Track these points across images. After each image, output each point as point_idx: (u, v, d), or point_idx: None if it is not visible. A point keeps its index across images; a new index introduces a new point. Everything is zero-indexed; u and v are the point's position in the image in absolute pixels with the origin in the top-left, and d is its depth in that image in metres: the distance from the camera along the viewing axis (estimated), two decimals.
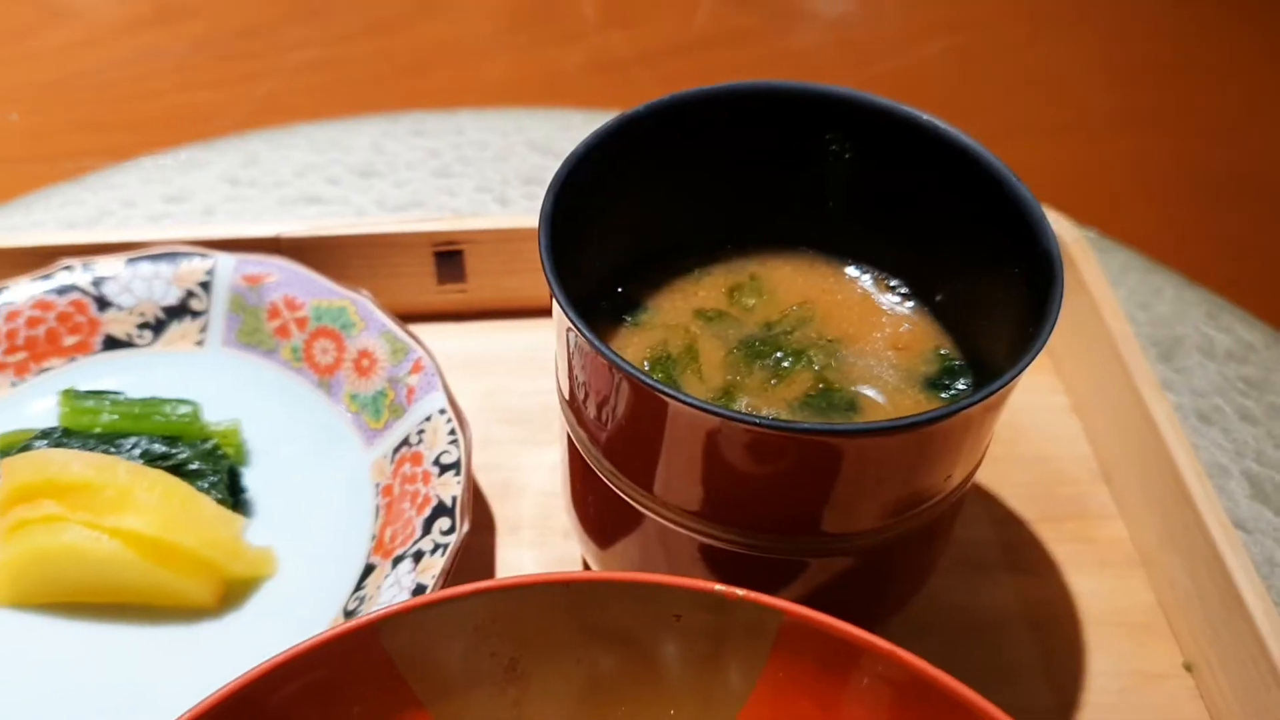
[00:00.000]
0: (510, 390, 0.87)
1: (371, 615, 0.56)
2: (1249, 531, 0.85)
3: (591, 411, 0.63)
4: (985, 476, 0.84)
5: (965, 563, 0.79)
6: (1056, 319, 0.58)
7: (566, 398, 0.67)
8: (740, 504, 0.61)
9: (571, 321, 0.58)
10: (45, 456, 0.70)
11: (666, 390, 0.55)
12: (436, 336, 0.85)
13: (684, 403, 0.55)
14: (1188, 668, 0.76)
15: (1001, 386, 0.56)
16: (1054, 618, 0.77)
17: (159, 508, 0.69)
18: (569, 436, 0.68)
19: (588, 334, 0.57)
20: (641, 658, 0.59)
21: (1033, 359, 0.57)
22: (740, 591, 0.57)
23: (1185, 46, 1.36)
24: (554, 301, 0.60)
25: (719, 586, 0.57)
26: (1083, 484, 0.84)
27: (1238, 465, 0.88)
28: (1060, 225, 0.90)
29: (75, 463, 0.69)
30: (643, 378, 0.56)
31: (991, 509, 0.82)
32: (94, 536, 0.68)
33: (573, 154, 0.65)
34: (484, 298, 0.91)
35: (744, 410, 0.65)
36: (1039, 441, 0.87)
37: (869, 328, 0.72)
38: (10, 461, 0.70)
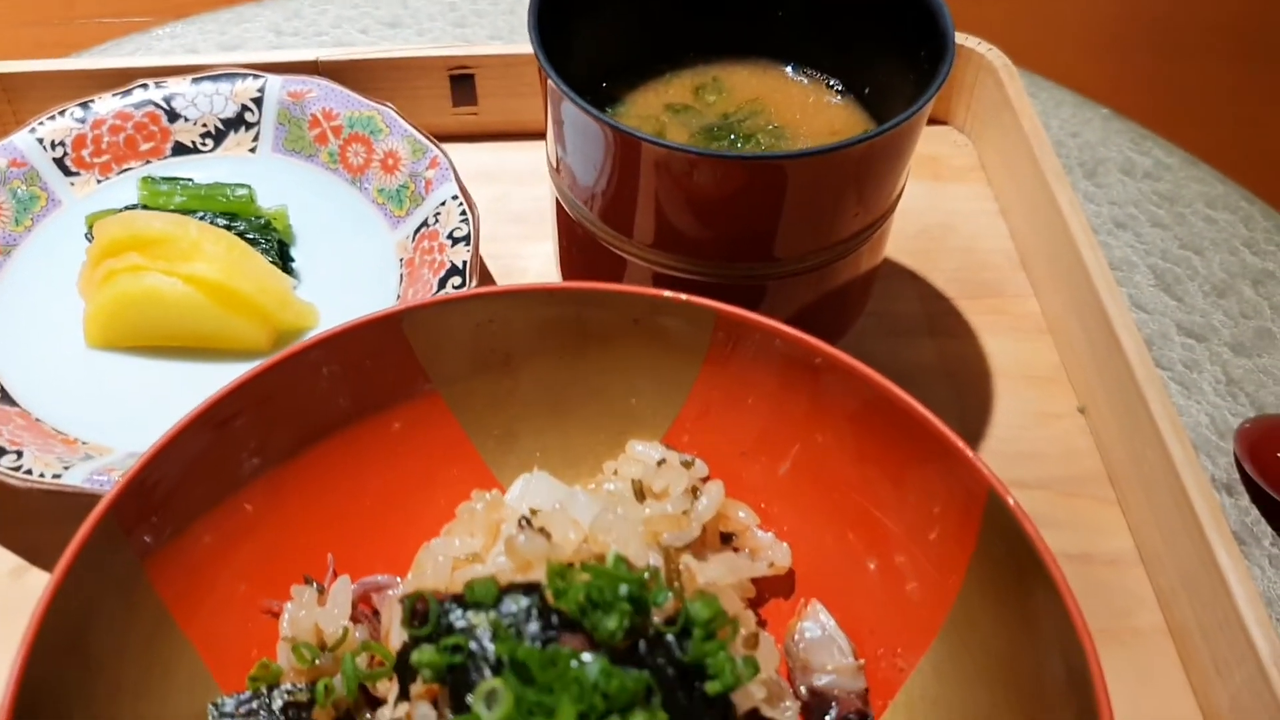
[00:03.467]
0: (514, 197, 1.02)
1: (394, 308, 0.71)
2: (1149, 313, 0.98)
3: (573, 168, 0.78)
4: (916, 263, 0.98)
5: (892, 330, 0.93)
6: (947, 73, 0.72)
7: (554, 164, 0.81)
8: (689, 234, 0.75)
9: (555, 83, 0.72)
10: (130, 215, 0.85)
11: (632, 131, 0.70)
12: (451, 152, 0.99)
13: (642, 140, 0.70)
14: (1081, 410, 0.90)
15: (894, 125, 0.70)
16: (968, 370, 0.91)
17: (223, 258, 0.84)
18: (557, 202, 0.83)
19: (566, 90, 0.71)
20: (608, 356, 0.74)
21: (923, 105, 0.71)
22: (683, 296, 0.72)
23: None
24: (542, 77, 0.74)
25: (667, 293, 0.72)
26: (1003, 270, 0.98)
27: (1145, 261, 1.02)
28: (992, 54, 1.03)
29: (156, 220, 0.84)
30: (614, 123, 0.70)
31: (919, 288, 0.97)
32: (170, 281, 0.83)
33: None
34: (493, 120, 1.06)
35: None
36: (968, 237, 1.01)
37: (809, 117, 0.86)
38: (102, 223, 0.86)
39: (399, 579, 0.70)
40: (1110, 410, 0.87)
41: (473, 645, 0.56)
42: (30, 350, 0.86)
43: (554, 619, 0.57)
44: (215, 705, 0.63)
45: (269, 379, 0.68)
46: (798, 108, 0.86)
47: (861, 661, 0.67)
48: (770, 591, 0.72)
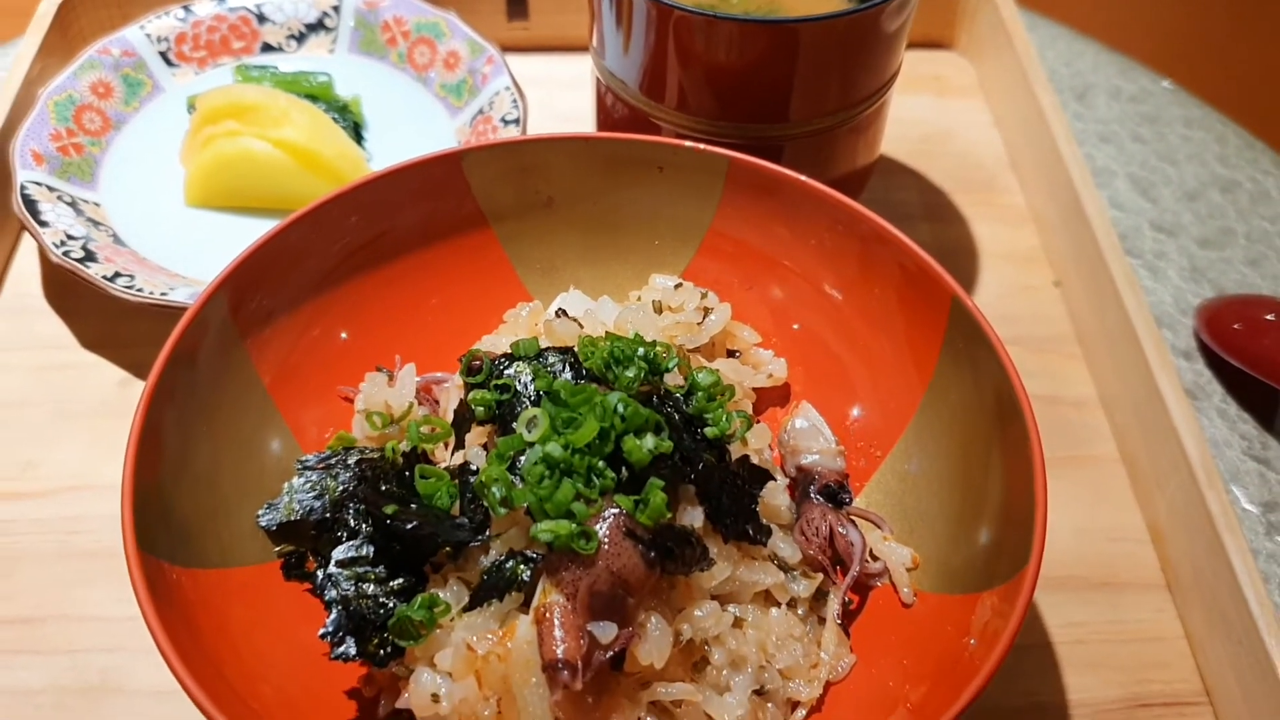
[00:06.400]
0: (558, 100, 1.15)
1: (456, 147, 0.83)
2: (1125, 211, 1.10)
3: (613, 44, 0.90)
4: (917, 163, 1.10)
5: (892, 215, 1.02)
6: None
7: (596, 47, 0.94)
8: (713, 95, 0.87)
9: None
10: (228, 87, 0.99)
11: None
12: None
13: (673, 7, 0.82)
14: (1056, 284, 1.01)
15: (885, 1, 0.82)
16: (957, 249, 1.03)
17: (308, 125, 0.97)
18: (597, 81, 0.96)
19: None
20: (636, 199, 0.86)
21: None
22: (701, 145, 0.84)
23: None
24: None
25: (688, 143, 0.84)
26: (994, 170, 1.10)
27: (1125, 170, 1.13)
28: None
29: (250, 91, 0.98)
30: None
31: (918, 182, 1.08)
32: (261, 145, 0.97)
33: None
34: (542, 34, 1.19)
35: None
36: (964, 143, 1.12)
37: None
38: (203, 94, 0.99)
39: (455, 376, 0.82)
40: (1081, 282, 0.98)
41: (518, 385, 0.69)
42: (137, 208, 1.00)
43: (584, 372, 0.70)
44: (300, 461, 0.75)
45: (363, 193, 0.80)
46: (811, 8, 0.98)
47: (842, 448, 0.79)
48: (769, 402, 0.84)
